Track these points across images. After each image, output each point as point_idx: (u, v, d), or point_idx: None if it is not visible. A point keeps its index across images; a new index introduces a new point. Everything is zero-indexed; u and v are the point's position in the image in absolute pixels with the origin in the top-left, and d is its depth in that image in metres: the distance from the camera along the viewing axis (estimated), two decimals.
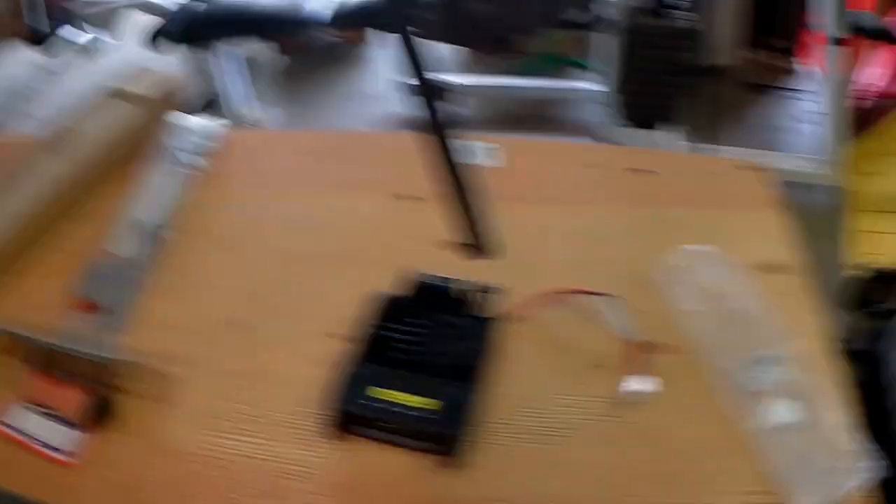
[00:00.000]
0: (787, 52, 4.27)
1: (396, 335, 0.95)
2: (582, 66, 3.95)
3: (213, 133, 1.32)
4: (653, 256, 1.09)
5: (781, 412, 0.95)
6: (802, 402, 0.96)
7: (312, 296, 1.06)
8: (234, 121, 3.09)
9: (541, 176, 1.30)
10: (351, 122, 3.57)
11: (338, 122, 3.53)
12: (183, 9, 2.68)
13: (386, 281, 1.03)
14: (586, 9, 2.75)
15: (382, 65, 3.95)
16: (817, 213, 3.37)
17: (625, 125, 2.80)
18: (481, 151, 1.32)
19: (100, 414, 0.90)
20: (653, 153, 1.39)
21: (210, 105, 3.00)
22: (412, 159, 1.28)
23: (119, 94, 1.27)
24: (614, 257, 1.14)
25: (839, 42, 3.00)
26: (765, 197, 1.32)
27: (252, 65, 3.48)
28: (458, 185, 0.77)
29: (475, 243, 0.79)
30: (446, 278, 1.01)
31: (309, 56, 3.99)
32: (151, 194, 1.18)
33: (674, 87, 2.62)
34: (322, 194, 1.23)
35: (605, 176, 1.31)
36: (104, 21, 2.63)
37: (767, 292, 1.10)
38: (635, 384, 0.95)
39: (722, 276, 1.08)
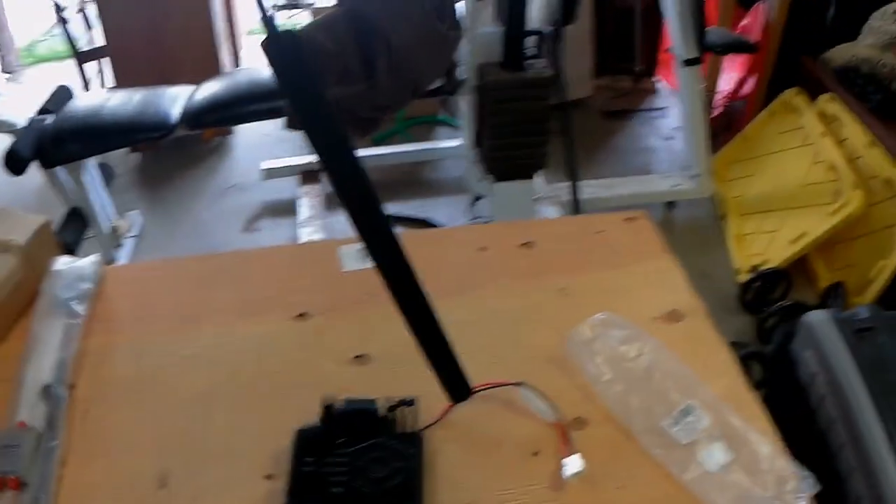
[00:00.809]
0: (646, 74, 4.39)
1: (327, 469, 0.93)
2: (450, 124, 4.01)
3: (92, 273, 1.28)
4: (560, 331, 1.11)
5: (717, 455, 0.98)
6: (734, 439, 1.00)
7: (235, 437, 1.04)
8: (99, 232, 3.04)
9: (433, 268, 1.30)
10: (218, 217, 3.53)
11: (207, 223, 3.50)
12: (30, 126, 2.63)
13: (303, 407, 1.01)
14: (448, 77, 2.78)
15: (246, 154, 3.94)
16: (700, 227, 3.46)
17: (488, 179, 2.82)
18: (359, 254, 1.32)
19: None
20: (541, 224, 1.41)
21: (73, 218, 2.95)
22: (307, 274, 1.28)
23: None
24: (522, 340, 1.15)
25: (689, 62, 3.09)
26: (654, 245, 1.36)
27: (105, 170, 3.43)
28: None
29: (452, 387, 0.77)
30: (365, 400, 1.00)
31: (165, 153, 3.95)
32: (46, 351, 1.14)
33: (532, 135, 2.66)
34: (215, 323, 1.21)
35: (498, 256, 1.32)
36: None
37: (677, 341, 1.14)
38: (574, 463, 0.95)
39: (630, 339, 1.10)
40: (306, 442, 0.97)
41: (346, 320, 1.20)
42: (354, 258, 1.31)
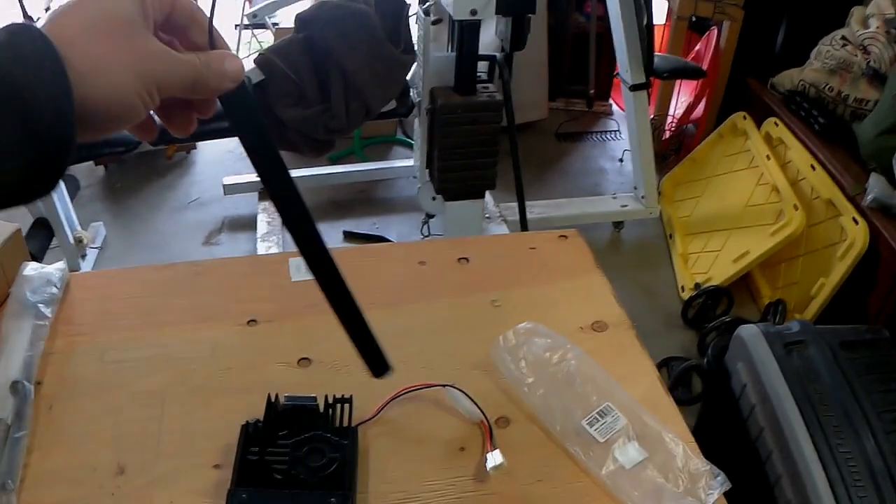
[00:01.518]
0: (599, 97, 4.47)
1: (269, 458, 1.00)
2: (406, 144, 4.08)
3: (58, 279, 1.33)
4: (489, 340, 1.18)
5: (632, 453, 1.05)
6: (650, 439, 1.07)
7: (187, 431, 1.09)
8: (64, 242, 3.08)
9: (374, 281, 1.38)
10: (180, 231, 3.58)
11: (168, 235, 3.54)
12: None
13: (251, 405, 1.08)
14: (402, 99, 2.85)
15: (208, 170, 3.98)
16: (647, 245, 3.55)
17: (439, 198, 2.89)
18: (303, 266, 1.39)
19: None
20: (478, 240, 1.48)
21: (39, 228, 2.98)
22: (257, 284, 1.35)
23: None
24: (453, 348, 1.23)
25: (635, 87, 3.16)
26: (585, 262, 1.43)
27: (70, 182, 3.47)
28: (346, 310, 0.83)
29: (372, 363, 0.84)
30: (305, 397, 1.07)
31: (129, 166, 4.00)
32: (14, 350, 1.18)
33: (481, 157, 2.73)
34: (174, 329, 1.27)
35: (436, 271, 1.39)
36: None
37: (601, 348, 1.22)
38: (496, 458, 1.02)
39: (554, 346, 1.17)
40: (251, 434, 1.03)
41: (291, 326, 1.27)
42: (302, 270, 1.38)
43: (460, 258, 1.42)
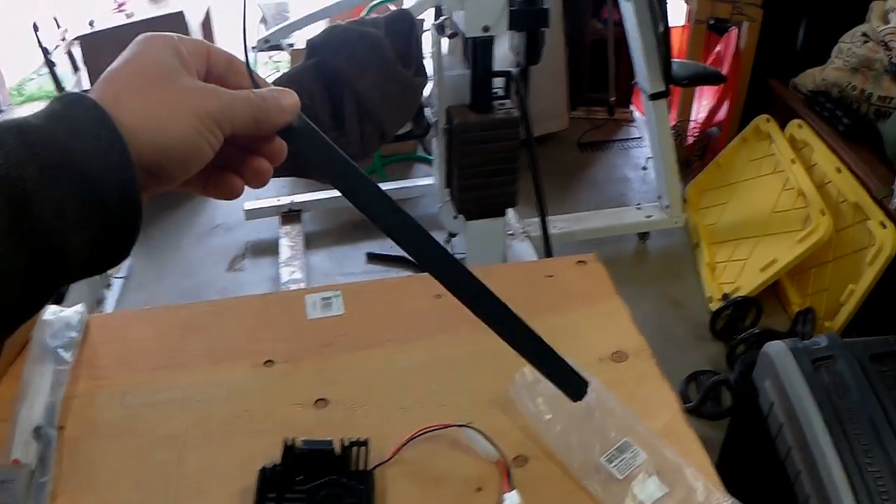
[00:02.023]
0: (620, 105, 4.44)
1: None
2: (427, 161, 4.08)
3: (77, 322, 1.33)
4: (506, 375, 1.17)
5: (651, 489, 1.04)
6: (670, 473, 1.05)
7: (206, 474, 1.09)
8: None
9: (389, 315, 1.37)
10: (204, 257, 3.59)
11: (193, 261, 3.54)
12: None
13: (268, 447, 1.07)
14: (417, 120, 2.84)
15: None
16: (673, 256, 3.52)
17: (459, 217, 2.88)
18: (319, 303, 1.39)
19: None
20: (495, 269, 1.47)
21: None
22: (274, 322, 1.35)
23: None
24: (470, 384, 1.21)
25: (655, 96, 3.14)
26: (604, 287, 1.41)
27: None
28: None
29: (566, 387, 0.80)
30: (322, 441, 1.06)
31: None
32: (37, 395, 1.19)
33: (501, 175, 2.72)
34: (192, 371, 1.27)
35: (452, 303, 1.37)
36: None
37: (621, 379, 1.20)
38: (513, 499, 1.01)
39: None
40: (268, 479, 1.03)
41: (308, 366, 1.26)
42: (318, 307, 1.38)
43: None
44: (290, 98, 0.66)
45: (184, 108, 0.58)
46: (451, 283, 0.71)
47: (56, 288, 0.56)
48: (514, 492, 1.02)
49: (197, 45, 0.64)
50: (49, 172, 0.51)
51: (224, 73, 0.66)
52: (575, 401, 0.76)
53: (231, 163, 0.68)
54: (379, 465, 1.07)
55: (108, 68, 0.60)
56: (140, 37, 0.62)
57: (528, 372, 1.16)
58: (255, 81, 0.67)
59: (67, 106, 0.55)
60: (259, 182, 0.70)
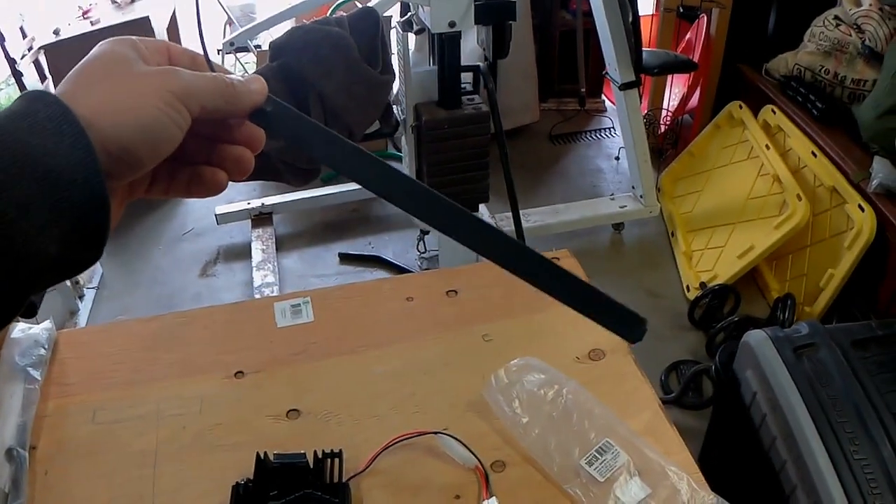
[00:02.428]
0: (591, 95, 4.43)
1: None
2: (397, 157, 4.05)
3: (46, 339, 1.31)
4: (482, 378, 1.14)
5: (634, 490, 1.02)
6: (652, 474, 1.03)
7: (180, 491, 1.07)
8: (61, 286, 3.06)
9: (363, 320, 1.35)
10: (176, 263, 3.56)
11: (165, 269, 3.51)
12: None
13: (241, 461, 1.06)
14: (385, 119, 2.82)
15: (200, 199, 3.95)
16: (649, 245, 3.51)
17: None
18: (288, 311, 1.37)
19: None
20: (466, 270, 1.44)
21: None
22: (244, 332, 1.32)
23: None
24: (446, 388, 1.19)
25: (625, 86, 3.13)
26: None
27: None
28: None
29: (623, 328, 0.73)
30: (295, 454, 1.04)
31: None
32: (7, 416, 1.16)
33: (471, 171, 2.70)
34: (162, 385, 1.24)
35: (424, 306, 1.36)
36: None
37: (599, 378, 1.18)
38: None
39: (548, 382, 1.13)
40: (241, 496, 1.01)
41: (279, 376, 1.24)
42: (288, 314, 1.35)
43: (449, 291, 1.39)
44: (258, 83, 0.65)
45: (143, 88, 0.57)
46: (462, 235, 0.67)
47: (27, 293, 0.54)
48: (492, 499, 1.00)
49: (157, 43, 0.63)
50: (12, 171, 0.50)
51: (188, 69, 0.64)
52: (634, 342, 0.71)
53: (210, 157, 0.67)
54: (353, 476, 1.05)
55: (72, 70, 0.59)
56: (101, 42, 0.61)
57: (503, 375, 1.14)
58: (216, 71, 0.66)
59: (29, 103, 0.54)
60: (241, 171, 0.68)
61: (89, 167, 0.53)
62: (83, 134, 0.53)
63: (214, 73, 0.63)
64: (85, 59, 0.60)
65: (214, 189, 0.68)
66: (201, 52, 0.67)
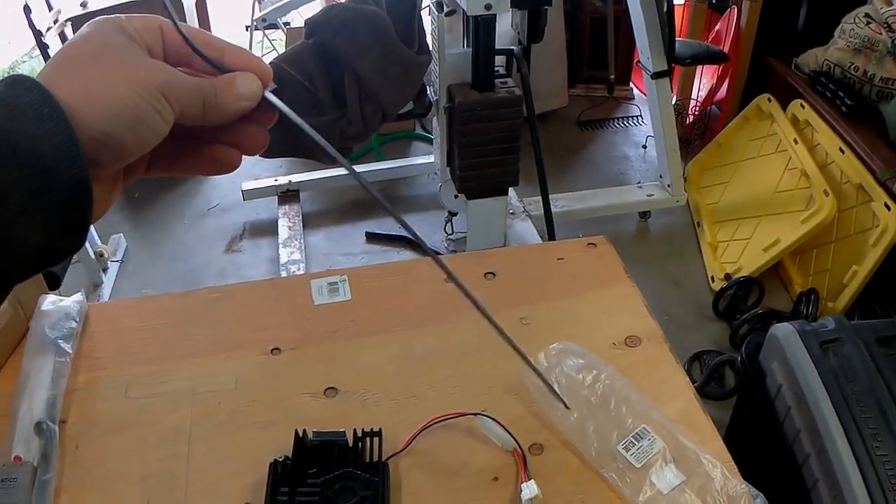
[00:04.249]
0: (620, 82, 4.41)
1: (299, 499, 0.98)
2: (425, 139, 4.04)
3: (77, 312, 1.30)
4: (520, 361, 1.13)
5: (669, 477, 1.02)
6: (687, 461, 1.03)
7: (216, 468, 1.07)
8: (85, 258, 3.07)
9: (399, 301, 1.34)
10: (201, 239, 3.56)
11: (190, 244, 3.51)
12: None
13: (278, 439, 1.06)
14: (418, 100, 2.81)
15: (226, 175, 3.95)
16: (675, 235, 3.50)
17: (460, 196, 2.86)
18: (325, 288, 1.37)
19: None
20: (504, 252, 1.45)
21: None
22: (279, 309, 1.32)
23: None
24: (483, 371, 1.19)
25: (657, 75, 3.11)
26: (614, 271, 1.39)
27: None
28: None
29: None
30: (334, 432, 1.04)
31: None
32: (37, 389, 1.16)
33: (503, 154, 2.69)
34: (196, 361, 1.24)
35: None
36: None
37: (634, 365, 1.18)
38: (530, 489, 0.99)
39: (586, 367, 1.13)
40: (280, 474, 1.01)
41: (316, 354, 1.24)
42: (325, 292, 1.35)
43: (486, 273, 1.39)
44: (247, 85, 0.63)
45: (127, 77, 0.56)
46: None
47: (9, 282, 0.54)
48: (531, 481, 1.00)
49: (146, 21, 0.62)
50: None
51: (184, 49, 0.63)
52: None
53: (220, 135, 0.66)
54: (392, 455, 1.05)
55: (54, 54, 0.58)
56: (87, 23, 0.59)
57: (542, 358, 1.14)
58: (205, 57, 0.63)
59: (8, 87, 0.52)
60: (256, 146, 0.67)
61: (70, 154, 0.52)
62: (64, 119, 0.52)
63: (199, 80, 0.61)
64: (69, 41, 0.58)
65: (228, 167, 0.67)
66: (205, 31, 0.65)
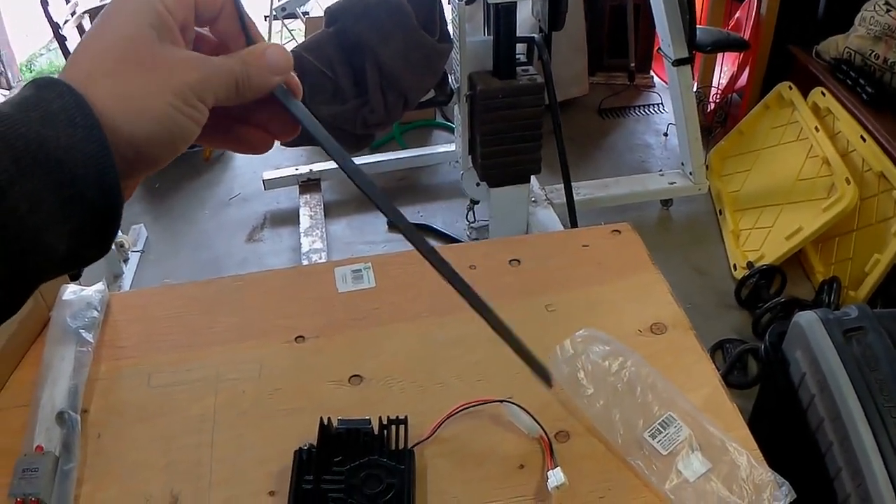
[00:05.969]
0: (641, 70, 4.39)
1: (325, 486, 0.97)
2: (447, 127, 4.03)
3: (98, 301, 1.30)
4: (545, 348, 1.14)
5: (695, 465, 1.01)
6: (713, 449, 1.03)
7: (240, 456, 1.07)
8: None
9: (424, 286, 1.34)
10: (222, 228, 3.57)
11: (211, 233, 3.51)
12: None
13: (303, 426, 1.06)
14: (440, 87, 2.81)
15: (247, 165, 3.96)
16: (696, 222, 3.48)
17: (482, 184, 2.85)
18: (349, 276, 1.37)
19: None
20: (529, 239, 1.44)
21: None
22: (303, 296, 1.32)
23: None
24: (507, 357, 1.17)
25: (679, 62, 3.10)
26: (640, 258, 1.39)
27: None
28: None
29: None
30: (359, 420, 1.04)
31: (168, 165, 3.99)
32: (58, 378, 1.16)
33: (525, 142, 2.69)
34: (220, 349, 1.24)
35: (487, 274, 1.35)
36: None
37: (660, 352, 1.18)
38: (557, 476, 0.99)
39: (612, 354, 1.13)
40: (305, 461, 1.01)
41: (340, 341, 1.24)
42: (349, 279, 1.35)
43: (511, 260, 1.38)
44: (277, 56, 0.61)
45: (161, 85, 0.55)
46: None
47: (33, 287, 0.53)
48: (557, 469, 0.99)
49: None
50: (24, 164, 0.48)
51: (214, 17, 0.62)
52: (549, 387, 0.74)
53: (251, 116, 0.65)
54: (418, 443, 1.05)
55: (80, 41, 0.56)
56: (112, 2, 0.57)
57: (569, 346, 1.14)
58: (247, 27, 0.62)
59: (39, 91, 0.51)
60: (288, 132, 0.66)
61: (103, 162, 0.51)
62: (97, 127, 0.51)
63: (230, 61, 0.59)
64: (95, 30, 0.56)
65: (262, 148, 0.67)
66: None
